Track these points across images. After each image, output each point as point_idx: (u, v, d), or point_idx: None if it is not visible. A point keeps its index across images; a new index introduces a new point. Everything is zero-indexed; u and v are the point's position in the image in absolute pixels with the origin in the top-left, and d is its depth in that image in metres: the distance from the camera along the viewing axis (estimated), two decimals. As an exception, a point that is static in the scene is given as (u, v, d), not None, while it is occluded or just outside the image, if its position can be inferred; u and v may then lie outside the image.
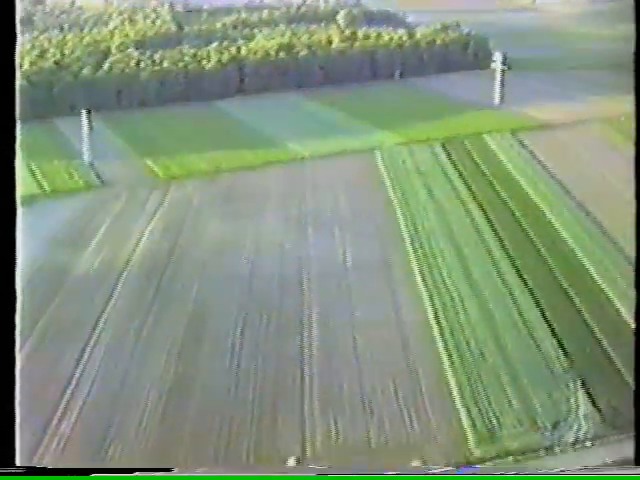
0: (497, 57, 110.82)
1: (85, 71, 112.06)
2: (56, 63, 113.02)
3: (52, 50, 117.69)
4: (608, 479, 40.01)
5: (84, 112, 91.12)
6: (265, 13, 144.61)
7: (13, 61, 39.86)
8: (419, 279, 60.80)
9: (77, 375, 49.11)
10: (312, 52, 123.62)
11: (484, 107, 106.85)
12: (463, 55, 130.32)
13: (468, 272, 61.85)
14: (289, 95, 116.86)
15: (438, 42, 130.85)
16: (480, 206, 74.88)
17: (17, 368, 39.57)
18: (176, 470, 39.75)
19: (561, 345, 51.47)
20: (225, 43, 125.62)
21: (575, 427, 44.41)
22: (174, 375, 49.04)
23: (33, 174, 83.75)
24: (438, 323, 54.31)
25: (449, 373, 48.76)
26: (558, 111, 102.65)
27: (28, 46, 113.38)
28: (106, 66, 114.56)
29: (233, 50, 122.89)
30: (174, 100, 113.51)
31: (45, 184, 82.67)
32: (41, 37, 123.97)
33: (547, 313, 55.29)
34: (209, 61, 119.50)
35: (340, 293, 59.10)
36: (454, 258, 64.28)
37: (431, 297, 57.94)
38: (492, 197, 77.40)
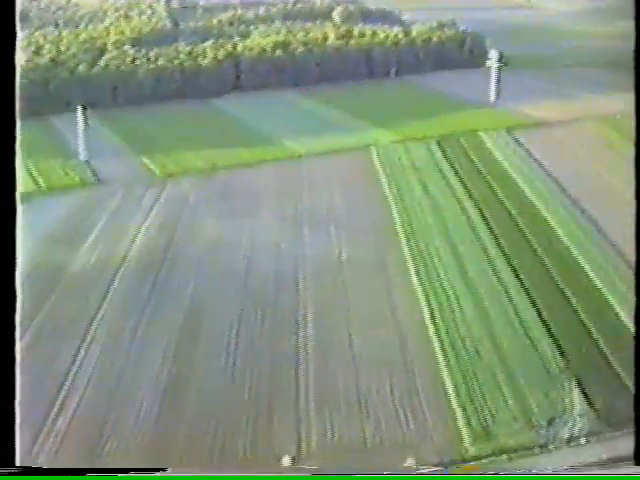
0: (492, 55, 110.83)
1: (81, 68, 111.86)
2: (52, 60, 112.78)
3: (48, 47, 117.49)
4: (608, 479, 40.14)
5: (79, 109, 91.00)
6: (261, 10, 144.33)
7: (13, 61, 39.83)
8: (415, 278, 60.86)
9: (73, 372, 49.16)
10: (308, 49, 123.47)
11: (480, 105, 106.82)
12: (459, 53, 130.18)
13: (464, 270, 61.95)
14: (285, 92, 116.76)
15: (434, 40, 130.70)
16: (476, 204, 74.93)
17: (17, 367, 39.65)
18: (171, 470, 39.81)
19: (557, 344, 51.61)
20: (221, 40, 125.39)
21: (570, 424, 44.57)
22: (169, 374, 49.08)
23: (29, 171, 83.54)
24: (434, 322, 54.38)
25: (445, 372, 48.89)
26: (554, 109, 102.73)
27: (24, 43, 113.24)
28: (102, 63, 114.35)
29: (229, 47, 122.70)
30: (170, 97, 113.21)
31: (41, 181, 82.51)
32: (36, 33, 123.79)
33: (543, 312, 55.39)
34: (205, 58, 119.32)
35: (336, 291, 59.13)
36: (450, 256, 64.35)
37: (427, 296, 58.01)
38: (488, 195, 77.45)
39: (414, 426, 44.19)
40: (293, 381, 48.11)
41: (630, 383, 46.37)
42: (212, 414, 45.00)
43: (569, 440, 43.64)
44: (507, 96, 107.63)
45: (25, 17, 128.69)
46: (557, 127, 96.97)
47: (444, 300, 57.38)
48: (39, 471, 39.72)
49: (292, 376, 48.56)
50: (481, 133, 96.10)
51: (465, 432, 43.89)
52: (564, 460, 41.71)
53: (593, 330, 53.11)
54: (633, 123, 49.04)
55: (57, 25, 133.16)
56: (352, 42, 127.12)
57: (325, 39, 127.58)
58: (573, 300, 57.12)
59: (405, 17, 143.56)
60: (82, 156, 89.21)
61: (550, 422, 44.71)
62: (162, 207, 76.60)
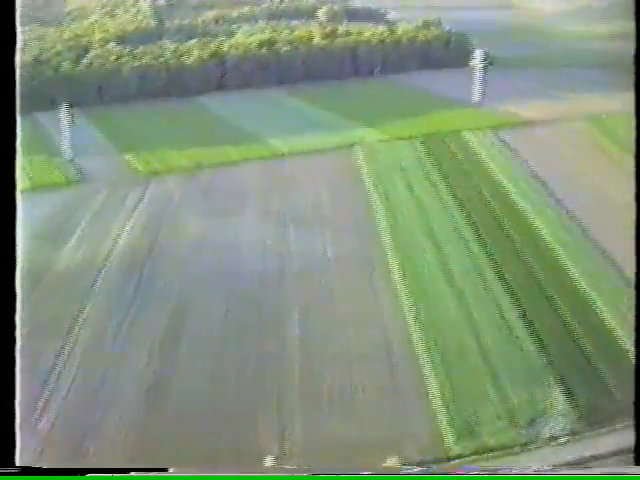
0: (477, 55, 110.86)
1: (65, 65, 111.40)
2: (36, 57, 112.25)
3: (32, 44, 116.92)
4: (608, 479, 40.33)
5: (64, 106, 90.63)
6: (246, 9, 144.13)
7: (13, 61, 39.73)
8: (399, 276, 60.93)
9: (57, 372, 48.99)
10: (294, 48, 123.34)
11: (466, 104, 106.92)
12: (445, 52, 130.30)
13: (448, 269, 62.06)
14: (270, 91, 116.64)
15: (420, 39, 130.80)
16: (461, 204, 75.03)
17: (17, 367, 39.58)
18: (172, 470, 39.84)
19: (541, 343, 51.83)
20: (206, 38, 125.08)
21: (552, 423, 44.79)
22: (153, 374, 48.97)
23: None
24: (418, 321, 54.48)
25: (429, 371, 49.02)
26: (540, 108, 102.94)
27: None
28: (86, 61, 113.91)
29: (214, 45, 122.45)
30: (155, 95, 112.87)
31: (25, 179, 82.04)
32: (22, 30, 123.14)
33: (527, 312, 55.59)
34: (190, 56, 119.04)
35: (321, 290, 59.14)
36: (434, 256, 64.44)
37: (411, 295, 58.09)
38: (473, 195, 77.56)
39: (398, 425, 44.27)
40: (278, 379, 48.11)
41: (612, 382, 46.85)
42: (196, 414, 44.94)
43: (550, 439, 43.93)
44: (494, 96, 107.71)
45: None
46: (542, 126, 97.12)
47: (428, 299, 57.48)
48: (39, 471, 39.71)
49: (277, 374, 48.57)
50: (466, 132, 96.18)
51: (448, 431, 44.03)
52: (544, 459, 41.98)
53: (577, 330, 53.35)
54: (633, 123, 49.26)
55: (43, 22, 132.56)
56: (337, 41, 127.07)
57: (310, 38, 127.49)
58: (557, 300, 57.34)
59: (390, 15, 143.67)
60: (66, 154, 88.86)
61: (532, 421, 44.92)
62: (146, 205, 76.35)
